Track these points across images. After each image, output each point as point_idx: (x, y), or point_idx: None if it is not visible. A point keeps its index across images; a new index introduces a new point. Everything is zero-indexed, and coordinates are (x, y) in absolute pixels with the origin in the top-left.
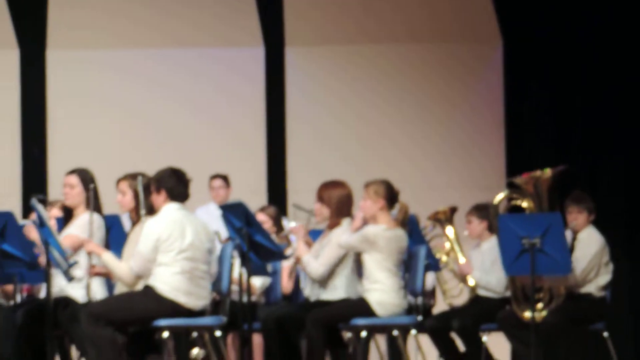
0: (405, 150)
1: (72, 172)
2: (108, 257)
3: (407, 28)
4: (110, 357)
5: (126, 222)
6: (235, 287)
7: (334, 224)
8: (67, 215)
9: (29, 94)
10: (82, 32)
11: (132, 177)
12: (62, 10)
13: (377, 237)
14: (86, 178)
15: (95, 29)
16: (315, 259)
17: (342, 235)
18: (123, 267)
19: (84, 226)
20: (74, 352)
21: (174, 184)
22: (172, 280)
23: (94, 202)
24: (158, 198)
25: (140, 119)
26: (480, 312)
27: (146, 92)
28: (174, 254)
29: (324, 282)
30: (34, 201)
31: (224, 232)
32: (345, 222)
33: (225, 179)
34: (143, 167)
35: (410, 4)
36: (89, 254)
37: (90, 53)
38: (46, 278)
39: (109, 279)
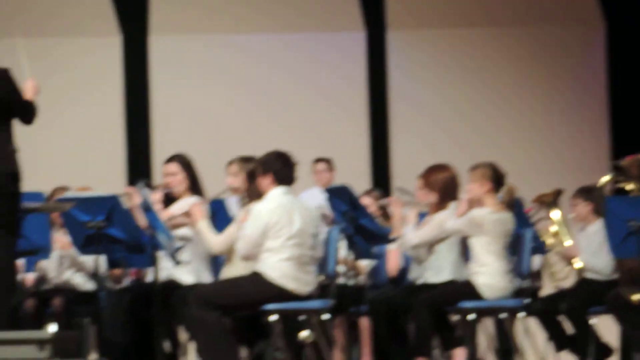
0: (507, 132)
1: (171, 159)
2: (202, 225)
3: (508, 11)
4: (218, 341)
5: (232, 206)
6: (341, 268)
7: (439, 207)
8: (167, 202)
9: (131, 79)
10: (184, 16)
11: (243, 160)
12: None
13: (484, 220)
14: (185, 163)
15: (197, 14)
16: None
17: (449, 221)
18: (216, 239)
19: (185, 208)
20: (182, 335)
21: (280, 167)
22: (280, 267)
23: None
24: (264, 181)
25: (242, 102)
26: (588, 295)
27: (249, 75)
28: (282, 240)
29: (430, 264)
30: (140, 185)
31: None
32: (452, 206)
33: (328, 162)
34: (247, 150)
35: None
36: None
37: (192, 37)
38: (153, 262)
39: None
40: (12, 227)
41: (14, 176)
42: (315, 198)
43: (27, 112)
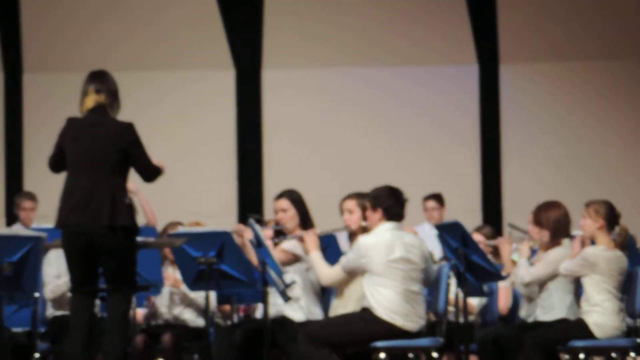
0: (617, 169)
1: (281, 195)
2: (316, 256)
3: (622, 43)
4: None
5: (343, 242)
6: (451, 308)
7: (551, 245)
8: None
9: (244, 113)
10: (297, 50)
11: (359, 195)
12: (276, 32)
13: (598, 258)
14: (296, 199)
15: (310, 47)
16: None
17: (563, 262)
18: (328, 271)
19: (296, 243)
20: None
21: (391, 204)
22: (388, 303)
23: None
24: (373, 216)
25: (354, 138)
26: None
27: (358, 113)
28: (389, 275)
29: (541, 302)
30: (251, 221)
31: (437, 253)
32: (565, 242)
33: (439, 199)
34: (358, 186)
35: (624, 18)
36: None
37: (305, 72)
38: (263, 298)
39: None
40: (131, 279)
41: (132, 230)
42: (425, 234)
43: (149, 173)
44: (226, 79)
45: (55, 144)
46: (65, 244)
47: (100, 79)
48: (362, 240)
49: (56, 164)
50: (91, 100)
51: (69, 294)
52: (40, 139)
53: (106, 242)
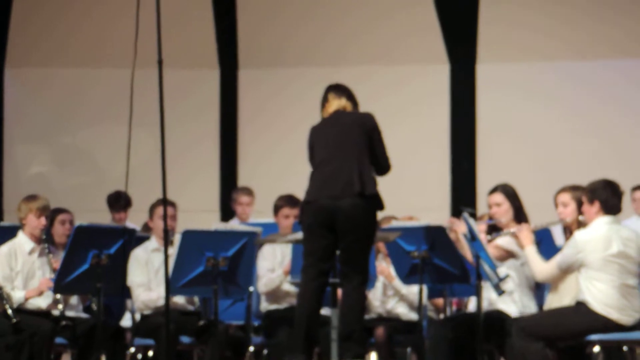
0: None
1: (495, 189)
2: (530, 251)
3: None
4: None
5: (557, 236)
6: None
7: None
8: (491, 232)
9: (458, 108)
10: (511, 44)
11: (573, 188)
12: (491, 26)
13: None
14: (510, 193)
15: (524, 41)
16: None
17: None
18: (543, 267)
19: (510, 239)
20: None
21: (608, 196)
22: (604, 297)
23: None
24: (590, 210)
25: (567, 128)
26: None
27: (574, 102)
28: (605, 269)
29: None
30: (465, 215)
31: None
32: None
33: None
34: (571, 180)
35: None
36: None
37: (519, 65)
38: (477, 292)
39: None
40: (363, 268)
41: (377, 202)
42: (635, 226)
43: (384, 166)
44: (441, 74)
45: (308, 149)
46: (309, 220)
47: (339, 88)
48: (579, 235)
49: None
50: (333, 105)
51: (284, 287)
52: (254, 135)
53: (352, 214)
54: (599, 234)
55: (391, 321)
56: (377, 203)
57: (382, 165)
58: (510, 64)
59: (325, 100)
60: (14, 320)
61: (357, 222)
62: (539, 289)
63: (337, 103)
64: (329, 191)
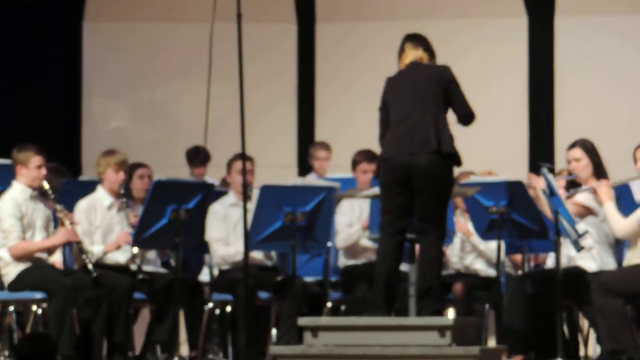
0: None
1: (574, 144)
2: (610, 207)
3: None
4: (620, 329)
5: (636, 191)
6: None
7: None
8: (570, 187)
9: (537, 60)
10: None
11: None
12: None
13: None
14: (589, 148)
15: None
16: None
17: None
18: (622, 223)
19: (589, 196)
20: (583, 322)
21: None
22: None
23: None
24: None
25: None
26: None
27: None
28: None
29: None
30: (544, 170)
31: None
32: None
33: None
34: None
35: None
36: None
37: (597, 19)
38: (555, 248)
39: None
40: (440, 222)
41: (455, 158)
42: None
43: (467, 115)
44: (519, 27)
45: (381, 99)
46: (386, 177)
47: (417, 39)
48: None
49: (384, 118)
50: (409, 56)
51: (362, 242)
52: (332, 90)
53: (429, 171)
54: None
55: (469, 277)
56: (454, 159)
57: (465, 114)
58: (588, 16)
59: (402, 51)
60: (94, 274)
61: (433, 179)
62: (618, 246)
63: (413, 54)
64: (405, 148)
